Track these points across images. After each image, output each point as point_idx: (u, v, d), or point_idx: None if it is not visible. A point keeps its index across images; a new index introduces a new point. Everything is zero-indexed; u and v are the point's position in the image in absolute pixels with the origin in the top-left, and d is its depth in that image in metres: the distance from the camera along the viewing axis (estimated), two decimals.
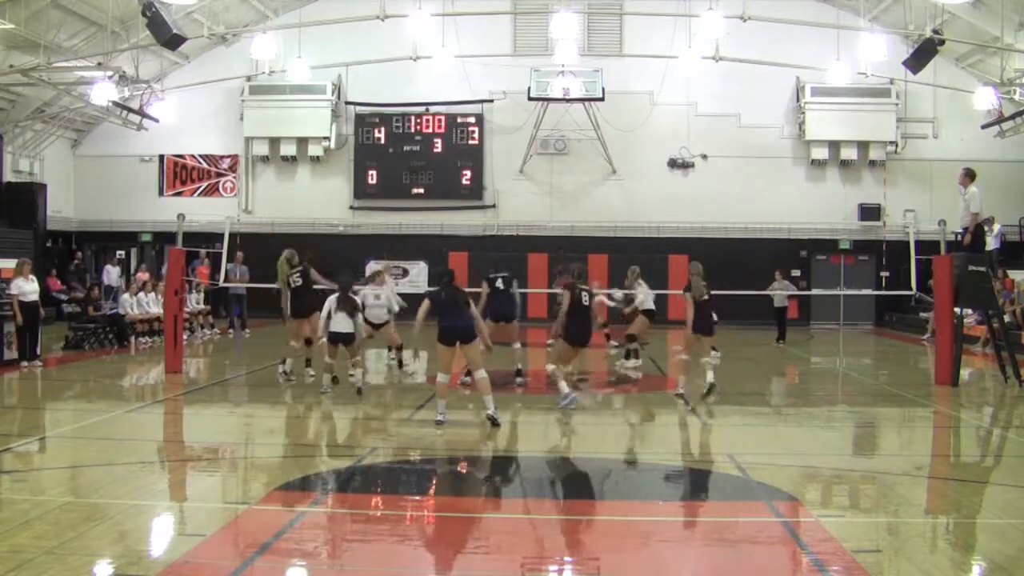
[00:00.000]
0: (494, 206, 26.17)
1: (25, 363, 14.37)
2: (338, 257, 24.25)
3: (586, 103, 24.56)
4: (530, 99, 24.44)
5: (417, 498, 7.59)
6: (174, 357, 14.08)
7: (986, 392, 14.11)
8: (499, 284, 12.84)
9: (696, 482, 8.16)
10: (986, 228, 17.21)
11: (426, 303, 10.15)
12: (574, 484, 8.29)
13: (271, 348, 18.66)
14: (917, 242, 15.55)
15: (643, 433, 10.55)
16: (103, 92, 21.55)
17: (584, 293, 11.18)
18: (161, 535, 6.21)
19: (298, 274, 13.13)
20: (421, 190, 26.29)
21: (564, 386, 10.82)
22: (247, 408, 12.01)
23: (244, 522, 6.45)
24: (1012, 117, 22.15)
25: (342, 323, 11.70)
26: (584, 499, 7.75)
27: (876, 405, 12.53)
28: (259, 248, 24.81)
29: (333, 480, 7.83)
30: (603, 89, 24.13)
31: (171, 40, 18.12)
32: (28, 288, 14.49)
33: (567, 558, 6.02)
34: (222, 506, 6.94)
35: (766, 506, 7.10)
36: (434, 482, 8.19)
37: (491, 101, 26.00)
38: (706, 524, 6.72)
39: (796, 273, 23.10)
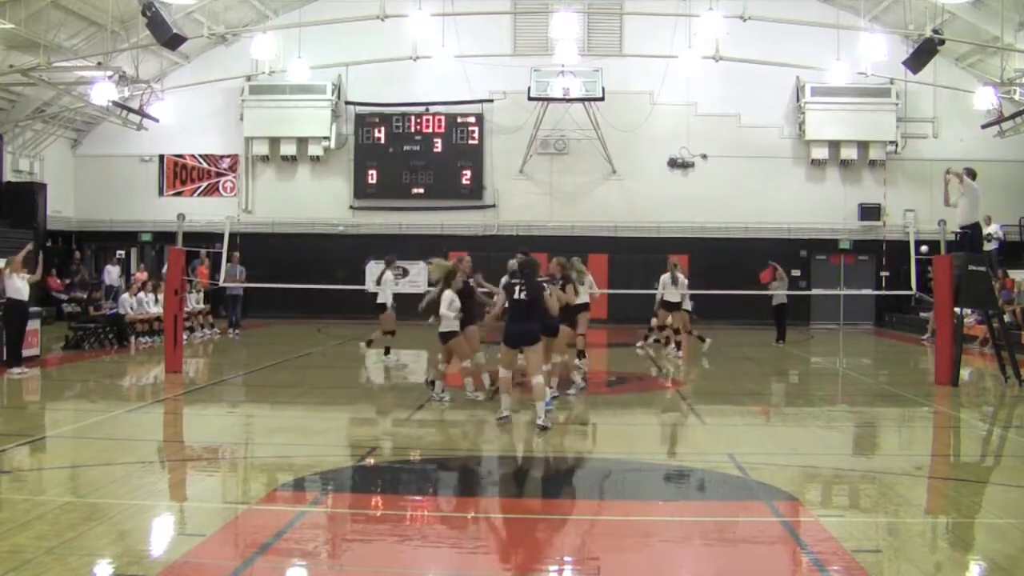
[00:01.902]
0: (494, 206, 26.18)
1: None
2: (338, 257, 24.55)
3: (586, 103, 24.57)
4: (530, 99, 24.43)
5: (417, 498, 7.59)
6: (174, 357, 14.08)
7: (986, 392, 14.10)
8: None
9: (696, 482, 8.15)
10: (985, 228, 17.29)
11: (502, 294, 9.80)
12: (574, 484, 8.29)
13: (269, 348, 18.73)
14: (917, 241, 15.55)
15: (642, 433, 10.54)
16: (103, 92, 21.56)
17: (517, 286, 9.74)
18: (161, 535, 6.21)
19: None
20: (421, 190, 26.30)
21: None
22: (247, 408, 12.00)
23: (244, 522, 6.45)
24: (1012, 117, 22.12)
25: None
26: (584, 499, 7.76)
27: (876, 405, 12.54)
28: (259, 248, 24.98)
29: (333, 480, 7.82)
30: (603, 89, 24.13)
31: (171, 40, 18.11)
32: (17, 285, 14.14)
33: (567, 558, 6.03)
34: (222, 506, 6.93)
35: (766, 506, 7.10)
36: (433, 482, 8.19)
37: (491, 101, 26.01)
38: (706, 524, 6.71)
39: (796, 272, 22.93)
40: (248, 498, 7.16)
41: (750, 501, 7.32)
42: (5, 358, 14.35)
